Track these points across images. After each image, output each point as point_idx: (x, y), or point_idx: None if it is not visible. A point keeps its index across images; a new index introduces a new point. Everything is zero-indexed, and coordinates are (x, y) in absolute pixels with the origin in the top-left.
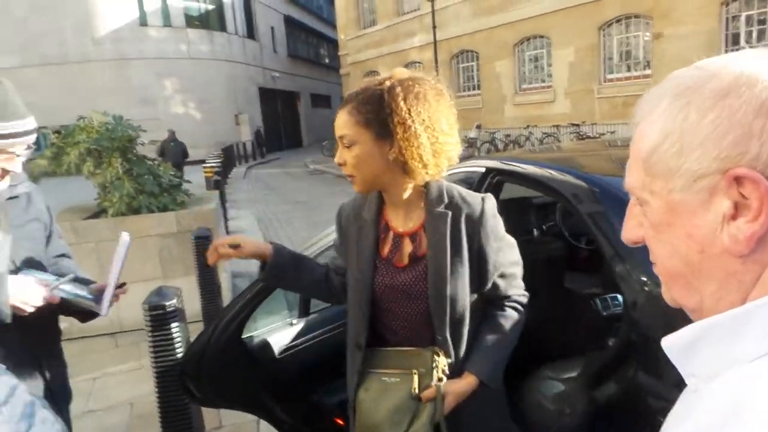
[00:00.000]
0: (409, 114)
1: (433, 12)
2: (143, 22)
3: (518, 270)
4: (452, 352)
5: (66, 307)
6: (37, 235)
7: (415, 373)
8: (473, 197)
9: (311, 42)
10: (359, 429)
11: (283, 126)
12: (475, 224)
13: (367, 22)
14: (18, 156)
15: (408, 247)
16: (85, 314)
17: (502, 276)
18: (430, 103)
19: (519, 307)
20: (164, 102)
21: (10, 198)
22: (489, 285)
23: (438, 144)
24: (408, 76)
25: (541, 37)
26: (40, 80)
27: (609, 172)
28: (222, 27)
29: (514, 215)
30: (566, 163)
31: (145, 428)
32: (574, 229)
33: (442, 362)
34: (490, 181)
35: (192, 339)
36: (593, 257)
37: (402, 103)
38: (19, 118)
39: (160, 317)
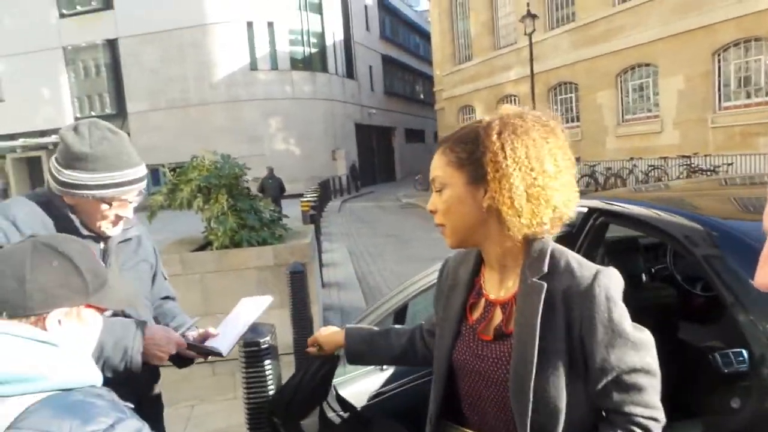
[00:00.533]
0: (502, 149)
1: (530, 45)
2: (254, 66)
3: (647, 381)
4: None
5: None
6: (144, 277)
7: None
8: (584, 269)
9: (407, 79)
10: None
11: (378, 160)
12: (578, 304)
13: (463, 58)
14: (130, 203)
15: (497, 318)
16: (184, 360)
17: (617, 384)
18: (534, 140)
19: (633, 428)
20: (269, 139)
21: (123, 241)
22: (597, 389)
23: (536, 187)
24: (515, 111)
25: (647, 65)
26: (165, 122)
27: (728, 215)
28: (324, 68)
29: (619, 256)
30: (678, 204)
31: None
32: (687, 272)
33: None
34: (593, 223)
35: (284, 374)
36: (710, 305)
37: (495, 138)
38: (132, 167)
39: (254, 354)
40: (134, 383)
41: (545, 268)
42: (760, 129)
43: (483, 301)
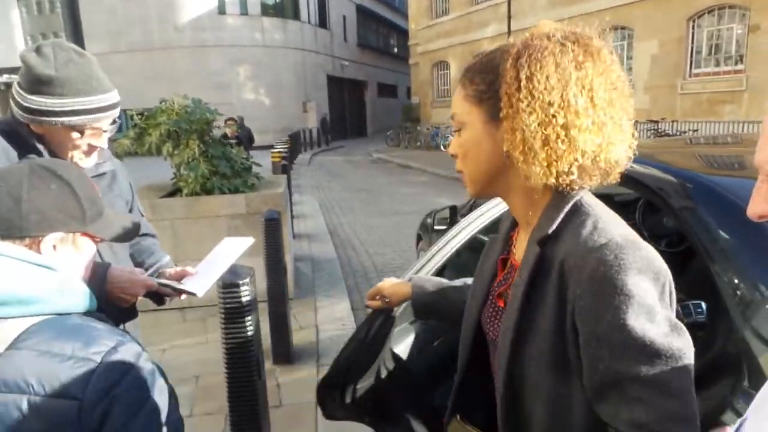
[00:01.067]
0: (516, 78)
1: (509, 1)
2: (222, 10)
3: (656, 399)
4: None
5: (155, 291)
6: (121, 213)
7: None
8: (595, 234)
9: (381, 31)
10: None
11: (349, 114)
12: (573, 280)
13: (439, 12)
14: (104, 132)
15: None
16: (160, 297)
17: (613, 391)
18: (559, 64)
19: None
20: (237, 88)
21: (96, 176)
22: (592, 393)
23: (555, 126)
24: (548, 28)
25: (623, 28)
26: (127, 65)
27: (697, 169)
28: (296, 15)
29: None
30: (651, 158)
31: (210, 400)
32: (654, 230)
33: None
34: None
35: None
36: (674, 261)
37: (510, 65)
38: (104, 92)
39: (233, 295)
40: (114, 318)
41: (550, 229)
42: (726, 97)
43: (510, 262)
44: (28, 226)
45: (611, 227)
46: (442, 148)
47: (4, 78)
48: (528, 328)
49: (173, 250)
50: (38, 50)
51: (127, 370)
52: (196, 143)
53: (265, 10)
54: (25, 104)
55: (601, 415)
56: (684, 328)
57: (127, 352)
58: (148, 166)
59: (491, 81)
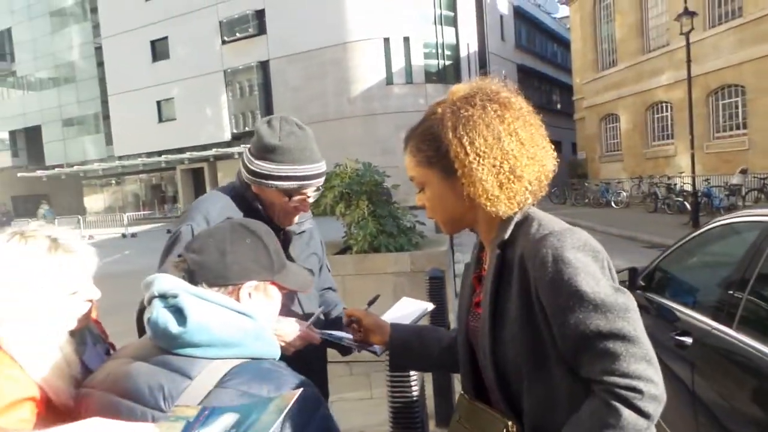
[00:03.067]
0: (461, 145)
1: (688, 45)
2: (389, 81)
3: (621, 347)
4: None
5: (330, 343)
6: (314, 269)
7: None
8: (540, 230)
9: (544, 89)
10: None
11: None
12: (530, 267)
13: (606, 64)
14: (309, 197)
15: None
16: (345, 348)
17: (587, 350)
18: (488, 125)
19: (614, 404)
20: (402, 151)
21: (297, 233)
22: (569, 356)
23: (504, 173)
24: (462, 93)
25: None
26: None
27: None
28: (457, 80)
29: None
30: None
31: None
32: None
33: None
34: None
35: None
36: None
37: (451, 136)
38: (314, 162)
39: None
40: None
41: (506, 235)
42: None
43: (483, 276)
44: (231, 275)
45: (552, 223)
46: (613, 204)
47: (213, 151)
48: (500, 315)
49: (343, 303)
50: (269, 122)
51: (313, 412)
52: (365, 203)
53: (429, 78)
54: (252, 168)
55: (582, 374)
56: (625, 290)
57: (312, 396)
58: (321, 225)
59: (437, 147)
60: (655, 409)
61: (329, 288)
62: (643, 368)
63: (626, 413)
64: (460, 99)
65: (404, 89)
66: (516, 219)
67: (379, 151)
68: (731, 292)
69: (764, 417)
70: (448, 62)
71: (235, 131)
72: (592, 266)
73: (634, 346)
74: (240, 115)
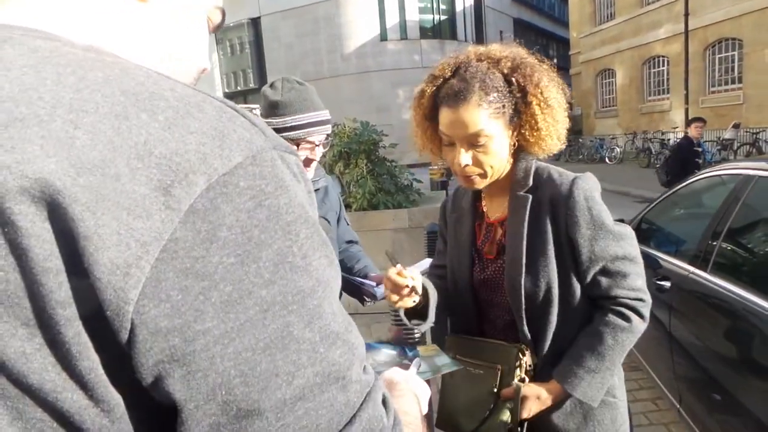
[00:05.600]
0: (542, 96)
1: None
2: (383, 37)
3: (630, 267)
4: (537, 352)
5: (350, 289)
6: (332, 225)
7: (499, 369)
8: (563, 177)
9: (540, 42)
10: (438, 411)
11: None
12: (561, 208)
13: (604, 17)
14: (317, 146)
15: (498, 235)
16: (362, 297)
17: (604, 272)
18: (551, 79)
19: (626, 312)
20: (397, 109)
21: (314, 190)
22: (587, 281)
23: (554, 122)
24: (500, 51)
25: None
26: None
27: None
28: (453, 35)
29: None
30: None
31: None
32: None
33: (527, 361)
34: (752, 188)
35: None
36: None
37: (533, 88)
38: (314, 110)
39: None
40: None
41: (530, 182)
42: None
43: (485, 223)
44: None
45: (566, 171)
46: (607, 160)
47: None
48: (533, 249)
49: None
50: (272, 84)
51: None
52: (364, 162)
53: (424, 33)
54: None
55: (594, 293)
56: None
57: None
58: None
59: (504, 95)
60: (648, 314)
61: (351, 241)
62: (642, 283)
63: (635, 319)
64: (506, 55)
65: (399, 45)
66: (533, 169)
67: (374, 109)
68: (708, 240)
69: (734, 353)
70: (443, 17)
71: (226, 90)
72: (604, 204)
73: (638, 266)
74: (231, 74)
